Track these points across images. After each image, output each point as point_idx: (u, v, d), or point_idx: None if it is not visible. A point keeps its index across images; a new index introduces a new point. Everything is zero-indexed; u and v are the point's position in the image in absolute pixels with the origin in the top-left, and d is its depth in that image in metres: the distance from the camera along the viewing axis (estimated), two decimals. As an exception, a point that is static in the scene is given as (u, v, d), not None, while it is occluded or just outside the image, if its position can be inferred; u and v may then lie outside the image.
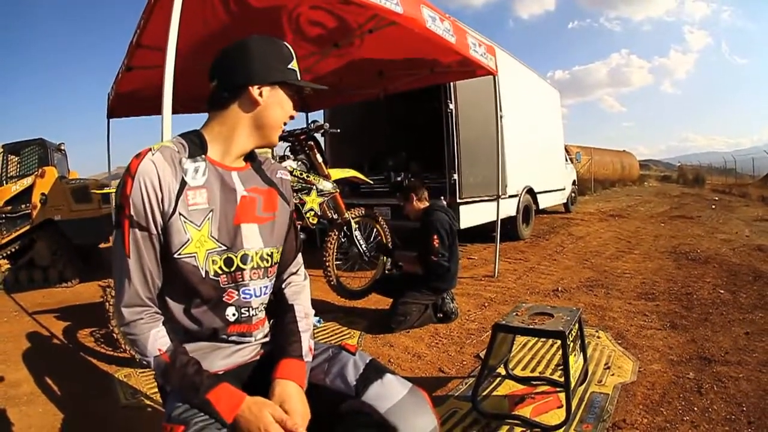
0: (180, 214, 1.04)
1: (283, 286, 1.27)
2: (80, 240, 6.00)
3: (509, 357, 2.68)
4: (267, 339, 1.24)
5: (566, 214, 11.09)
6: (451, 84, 5.47)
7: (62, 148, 7.73)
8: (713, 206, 12.72)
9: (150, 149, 1.04)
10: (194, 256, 1.06)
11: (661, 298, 4.08)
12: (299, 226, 3.20)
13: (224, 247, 1.10)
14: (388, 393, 1.07)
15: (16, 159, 7.44)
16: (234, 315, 1.14)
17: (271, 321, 1.27)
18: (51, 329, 3.96)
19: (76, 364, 3.17)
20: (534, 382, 2.54)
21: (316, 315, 3.66)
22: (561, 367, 2.65)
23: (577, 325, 2.32)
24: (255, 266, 1.14)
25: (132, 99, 4.96)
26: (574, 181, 11.98)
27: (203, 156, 1.10)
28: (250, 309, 1.16)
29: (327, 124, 3.53)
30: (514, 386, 2.51)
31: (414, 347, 3.17)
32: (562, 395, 2.27)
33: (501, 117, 5.08)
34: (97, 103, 5.50)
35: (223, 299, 1.12)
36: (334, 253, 3.73)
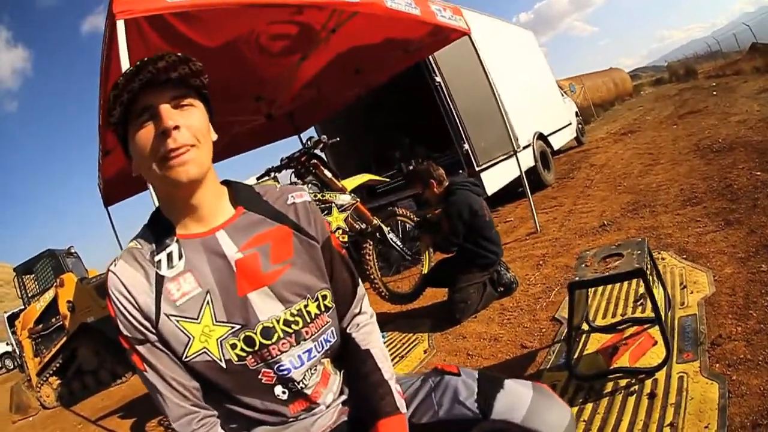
0: (167, 315, 0.91)
1: (349, 330, 1.10)
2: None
3: (588, 310, 2.54)
4: (345, 396, 1.08)
5: (581, 147, 10.92)
6: (431, 58, 5.36)
7: (72, 251, 7.78)
8: (714, 93, 12.45)
9: (113, 261, 0.95)
10: (205, 352, 0.92)
11: (705, 199, 3.95)
12: None
13: (238, 326, 0.94)
14: (517, 401, 0.95)
15: (32, 277, 7.49)
16: (284, 393, 0.99)
17: (343, 372, 1.10)
18: (119, 431, 3.89)
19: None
20: (619, 327, 2.42)
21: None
22: (640, 303, 2.58)
23: (648, 256, 2.19)
24: (281, 336, 0.97)
25: (121, 181, 4.86)
26: (577, 113, 11.81)
27: (173, 237, 0.96)
28: (296, 383, 0.99)
29: (324, 137, 3.43)
30: (602, 338, 2.39)
31: (487, 331, 3.04)
32: (652, 331, 2.21)
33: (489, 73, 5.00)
34: (94, 195, 5.46)
35: (263, 381, 0.97)
36: (376, 264, 3.58)
